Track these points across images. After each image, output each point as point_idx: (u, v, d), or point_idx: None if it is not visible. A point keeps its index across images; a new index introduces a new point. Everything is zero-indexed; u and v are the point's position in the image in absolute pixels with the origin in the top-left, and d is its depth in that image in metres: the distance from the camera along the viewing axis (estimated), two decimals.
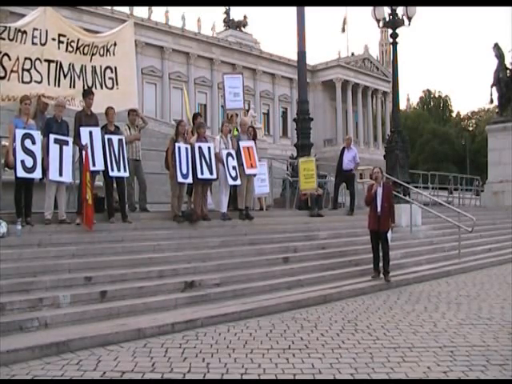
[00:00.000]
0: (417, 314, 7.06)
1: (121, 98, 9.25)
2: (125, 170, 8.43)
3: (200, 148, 9.28)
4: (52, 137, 7.69)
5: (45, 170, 7.67)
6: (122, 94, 9.39)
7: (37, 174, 7.49)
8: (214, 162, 9.36)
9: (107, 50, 9.29)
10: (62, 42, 8.68)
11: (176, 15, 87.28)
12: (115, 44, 9.40)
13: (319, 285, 8.40)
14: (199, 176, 9.16)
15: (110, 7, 44.01)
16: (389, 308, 7.51)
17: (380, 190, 9.17)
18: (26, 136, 7.41)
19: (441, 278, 10.15)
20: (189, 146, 9.14)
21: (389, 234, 9.40)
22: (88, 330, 5.58)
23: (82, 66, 8.95)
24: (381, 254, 9.23)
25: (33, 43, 8.29)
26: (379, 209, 9.08)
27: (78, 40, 8.89)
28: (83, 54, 8.97)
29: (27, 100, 7.76)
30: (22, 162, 7.32)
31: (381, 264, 9.23)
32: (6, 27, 8.03)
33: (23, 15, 12.07)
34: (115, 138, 8.40)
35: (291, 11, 16.67)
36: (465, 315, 7.00)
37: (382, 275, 9.19)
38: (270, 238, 9.87)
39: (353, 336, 5.92)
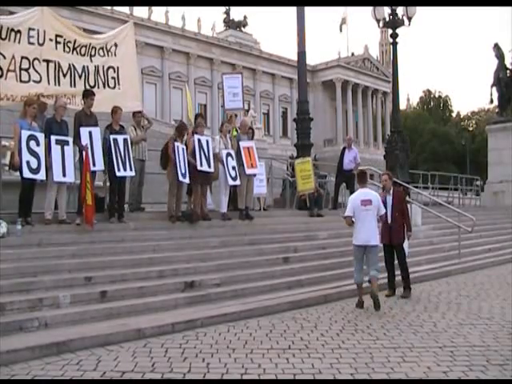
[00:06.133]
0: (417, 314, 7.06)
1: (123, 99, 9.23)
2: (131, 169, 8.45)
3: (199, 140, 9.31)
4: (53, 138, 7.69)
5: (47, 170, 7.67)
6: (124, 95, 9.37)
7: (41, 176, 7.49)
8: (212, 155, 9.38)
9: (108, 51, 9.26)
10: (59, 43, 8.65)
11: (176, 15, 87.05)
12: (116, 45, 9.38)
13: (319, 285, 8.40)
14: (198, 167, 9.17)
15: (109, 7, 44.01)
16: (389, 308, 7.50)
17: (390, 199, 8.40)
18: (30, 137, 7.42)
19: (441, 278, 10.14)
20: (185, 147, 9.18)
21: (406, 246, 8.50)
22: (88, 329, 5.58)
23: (83, 66, 8.93)
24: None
25: (29, 43, 8.25)
26: (390, 220, 8.25)
27: (75, 41, 8.84)
28: (80, 54, 8.92)
29: (34, 104, 7.78)
30: (28, 162, 7.33)
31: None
32: None
33: None
34: (120, 138, 8.41)
35: (291, 11, 16.67)
36: (465, 315, 7.00)
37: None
38: (269, 238, 9.87)
39: (353, 336, 5.92)
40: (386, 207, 8.25)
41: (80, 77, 8.90)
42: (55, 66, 8.57)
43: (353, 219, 7.57)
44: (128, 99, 9.37)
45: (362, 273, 7.51)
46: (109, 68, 9.27)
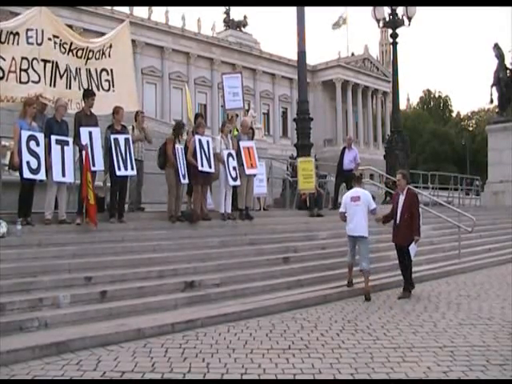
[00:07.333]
0: (417, 314, 7.06)
1: (119, 100, 9.17)
2: (132, 169, 8.44)
3: (200, 141, 9.32)
4: (53, 138, 7.69)
5: (47, 170, 7.67)
6: (119, 96, 9.32)
7: (41, 176, 7.49)
8: (212, 155, 9.39)
9: (103, 53, 9.26)
10: (56, 43, 8.67)
11: (176, 15, 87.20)
12: (111, 46, 9.37)
13: (319, 285, 8.40)
14: (199, 168, 9.17)
15: (110, 7, 44.01)
16: (389, 308, 7.51)
17: (402, 199, 8.29)
18: (30, 137, 7.42)
19: (441, 278, 10.14)
20: (183, 148, 9.21)
21: (412, 249, 8.20)
22: (88, 329, 5.58)
23: (76, 68, 8.94)
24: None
25: (28, 43, 8.26)
26: (398, 220, 8.24)
27: (71, 43, 8.85)
28: (77, 56, 8.92)
29: (34, 104, 7.78)
30: (28, 163, 7.32)
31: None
32: None
33: None
34: (121, 138, 8.40)
35: (291, 11, 16.65)
36: (465, 315, 7.00)
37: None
38: (269, 238, 9.87)
39: (353, 336, 5.92)
40: (397, 207, 8.29)
41: (75, 79, 8.90)
42: (52, 66, 8.57)
43: (346, 215, 8.41)
44: (124, 100, 9.31)
45: (353, 256, 8.39)
46: (102, 71, 9.25)
